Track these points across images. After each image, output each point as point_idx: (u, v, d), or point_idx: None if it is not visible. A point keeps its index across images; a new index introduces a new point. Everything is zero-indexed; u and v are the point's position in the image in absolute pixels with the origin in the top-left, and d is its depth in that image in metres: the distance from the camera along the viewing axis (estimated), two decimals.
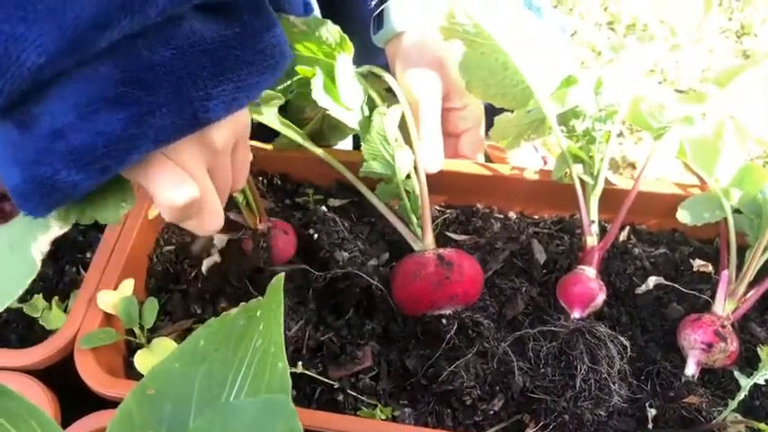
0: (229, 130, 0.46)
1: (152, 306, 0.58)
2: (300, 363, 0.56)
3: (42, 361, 0.56)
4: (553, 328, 0.57)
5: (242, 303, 0.45)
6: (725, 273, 0.58)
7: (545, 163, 0.85)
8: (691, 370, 0.56)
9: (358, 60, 0.64)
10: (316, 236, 0.64)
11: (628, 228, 0.67)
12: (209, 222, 0.48)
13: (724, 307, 0.57)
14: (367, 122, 0.63)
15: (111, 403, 0.51)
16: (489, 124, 0.67)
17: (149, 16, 0.37)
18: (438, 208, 0.69)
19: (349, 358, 0.56)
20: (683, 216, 0.63)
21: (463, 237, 0.66)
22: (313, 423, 0.50)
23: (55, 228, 0.49)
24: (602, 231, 0.63)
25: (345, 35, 0.61)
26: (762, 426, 0.52)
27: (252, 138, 0.68)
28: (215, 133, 0.45)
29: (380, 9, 0.69)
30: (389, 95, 0.65)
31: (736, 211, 0.62)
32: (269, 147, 0.70)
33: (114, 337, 0.56)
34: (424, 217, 0.60)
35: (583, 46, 1.74)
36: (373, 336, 0.58)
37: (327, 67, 0.62)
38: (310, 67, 0.62)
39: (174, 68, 0.39)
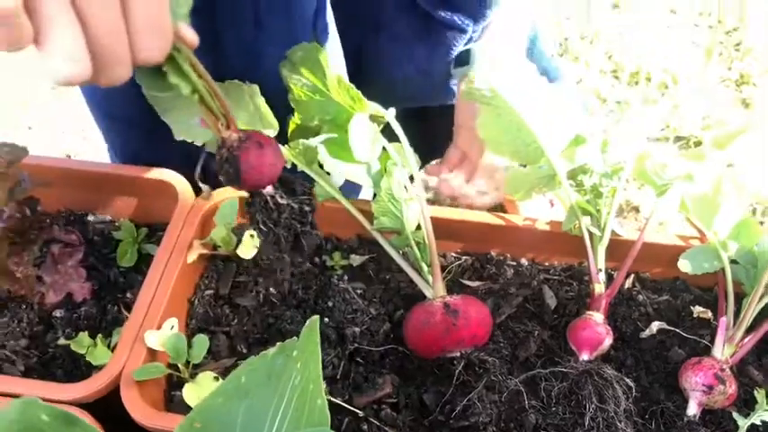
0: None
1: (201, 342, 0.63)
2: (328, 390, 0.61)
3: (91, 395, 0.60)
4: (563, 369, 0.61)
5: (278, 343, 0.50)
6: (723, 319, 0.63)
7: (552, 205, 0.90)
8: (692, 410, 0.60)
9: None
10: (331, 304, 0.69)
11: (633, 276, 0.72)
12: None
13: (723, 351, 0.62)
14: (379, 177, 0.68)
15: None
16: None
17: None
18: (454, 255, 0.74)
19: (371, 385, 0.61)
20: (685, 266, 0.68)
21: (477, 283, 0.71)
22: None
23: None
24: (609, 279, 0.67)
25: (362, 95, 0.67)
26: None
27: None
28: None
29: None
30: None
31: (734, 261, 0.66)
32: None
33: (163, 371, 0.61)
34: (434, 265, 0.65)
35: (588, 92, 1.81)
36: (393, 368, 0.63)
37: (344, 125, 0.67)
38: (327, 122, 0.68)
39: None
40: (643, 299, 0.70)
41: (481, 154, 0.87)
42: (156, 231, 0.77)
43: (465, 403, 0.59)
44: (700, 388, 0.60)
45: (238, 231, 0.72)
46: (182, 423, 0.48)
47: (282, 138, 0.69)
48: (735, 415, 0.57)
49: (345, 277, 0.71)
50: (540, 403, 0.60)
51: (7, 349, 0.68)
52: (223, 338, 0.68)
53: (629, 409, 0.59)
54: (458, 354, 0.62)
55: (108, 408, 0.60)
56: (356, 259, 0.73)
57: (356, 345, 0.65)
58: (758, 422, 0.57)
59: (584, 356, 0.62)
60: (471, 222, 0.72)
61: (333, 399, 0.61)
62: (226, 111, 0.56)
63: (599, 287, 0.65)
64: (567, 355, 0.64)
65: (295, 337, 0.50)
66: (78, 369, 0.68)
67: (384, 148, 0.69)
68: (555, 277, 0.72)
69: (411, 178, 0.68)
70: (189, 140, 0.65)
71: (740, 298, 0.65)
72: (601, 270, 0.66)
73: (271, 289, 0.71)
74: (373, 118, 0.69)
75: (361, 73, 0.82)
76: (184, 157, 0.67)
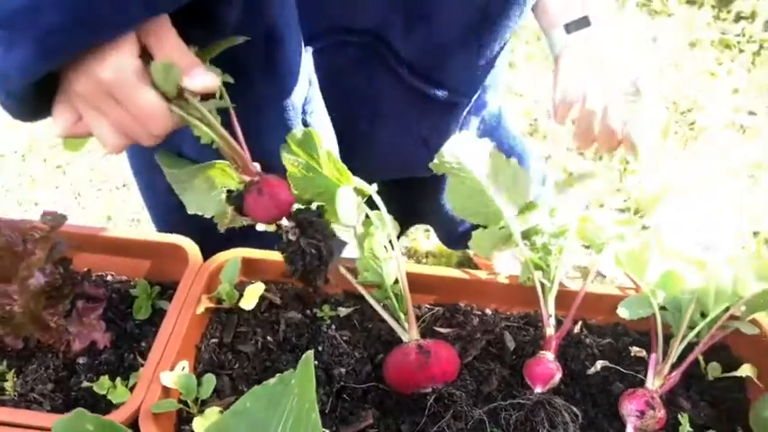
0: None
1: (209, 381, 0.73)
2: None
3: None
4: (521, 401, 0.72)
5: (278, 375, 0.60)
6: (653, 356, 0.74)
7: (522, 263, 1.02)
8: None
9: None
10: (321, 349, 0.80)
11: (581, 322, 0.84)
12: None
13: (653, 383, 0.73)
14: (362, 237, 0.80)
15: None
16: None
17: None
18: (428, 306, 0.85)
19: (355, 418, 0.71)
20: (623, 312, 0.79)
21: (448, 329, 0.83)
22: None
23: None
24: (559, 324, 0.79)
25: (350, 168, 0.79)
26: None
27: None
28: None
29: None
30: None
31: (663, 308, 0.78)
32: None
33: (175, 406, 0.71)
34: (409, 313, 0.76)
35: (556, 167, 1.96)
36: (374, 404, 0.73)
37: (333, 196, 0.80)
38: (319, 194, 0.80)
39: None
40: (590, 342, 0.81)
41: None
42: (168, 289, 0.88)
43: (435, 430, 0.70)
44: (634, 413, 0.70)
45: (240, 287, 0.84)
46: None
47: None
48: None
49: (333, 326, 0.82)
50: (500, 430, 0.71)
51: (35, 392, 0.78)
52: (227, 380, 0.78)
53: None
54: (430, 389, 0.72)
55: None
56: (343, 311, 0.85)
57: (342, 383, 0.76)
58: None
59: (538, 389, 0.73)
60: (442, 277, 0.84)
61: (322, 430, 0.70)
62: (240, 158, 0.66)
63: (550, 330, 0.77)
64: (523, 389, 0.74)
65: (292, 369, 0.61)
66: (99, 408, 0.77)
67: (367, 215, 0.82)
68: (514, 324, 0.83)
69: (390, 241, 0.80)
70: (200, 214, 0.77)
71: (668, 338, 0.76)
72: (551, 316, 0.78)
73: (268, 337, 0.82)
74: (357, 190, 0.82)
75: (357, 144, 0.92)
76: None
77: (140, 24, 0.53)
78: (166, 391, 0.73)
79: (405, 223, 1.29)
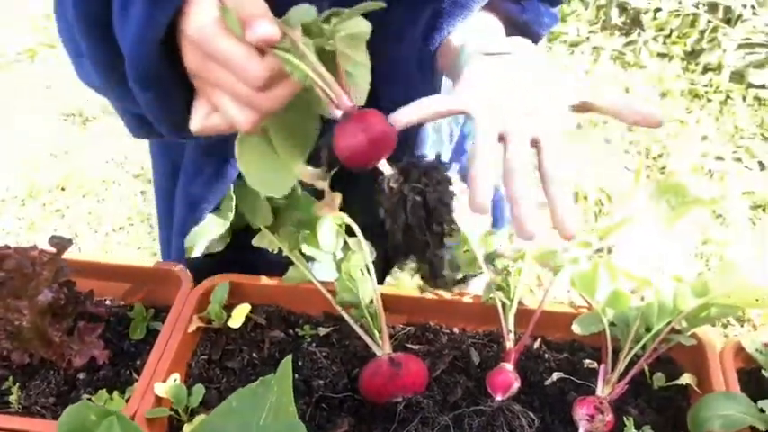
0: None
1: (199, 390, 0.80)
2: None
3: None
4: (483, 408, 0.79)
5: (260, 378, 0.68)
6: (602, 366, 0.82)
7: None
8: None
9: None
10: (301, 363, 0.87)
11: (540, 339, 0.91)
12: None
13: (602, 390, 0.80)
14: (340, 263, 0.89)
15: None
16: None
17: None
18: (401, 326, 0.93)
19: (332, 425, 0.78)
20: (577, 329, 0.87)
21: (418, 346, 0.90)
22: None
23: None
24: (519, 339, 0.87)
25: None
26: None
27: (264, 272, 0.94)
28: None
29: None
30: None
31: (612, 323, 0.86)
32: (275, 282, 0.95)
33: (167, 413, 0.78)
34: (383, 330, 0.83)
35: None
36: (350, 412, 0.80)
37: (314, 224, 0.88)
38: (303, 223, 0.89)
39: None
40: (548, 356, 0.89)
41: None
42: (162, 312, 0.96)
43: None
44: (585, 417, 0.78)
45: (228, 309, 0.91)
46: None
47: None
48: None
49: (313, 344, 0.90)
50: None
51: (38, 405, 0.85)
52: (215, 392, 0.85)
53: None
54: (401, 398, 0.79)
55: None
56: (322, 330, 0.92)
57: (320, 393, 0.83)
58: None
59: (499, 397, 0.80)
60: (414, 298, 0.92)
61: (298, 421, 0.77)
62: (336, 93, 0.57)
63: (509, 344, 0.84)
64: (486, 397, 0.82)
65: (273, 373, 0.68)
66: None
67: (345, 242, 0.90)
68: (479, 341, 0.91)
69: (366, 266, 0.88)
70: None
71: (617, 351, 0.84)
72: (511, 331, 0.85)
73: (253, 354, 0.89)
74: (336, 219, 0.91)
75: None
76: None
77: None
78: (159, 400, 0.80)
79: (394, 259, 1.35)
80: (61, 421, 0.61)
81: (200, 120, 0.60)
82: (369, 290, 0.87)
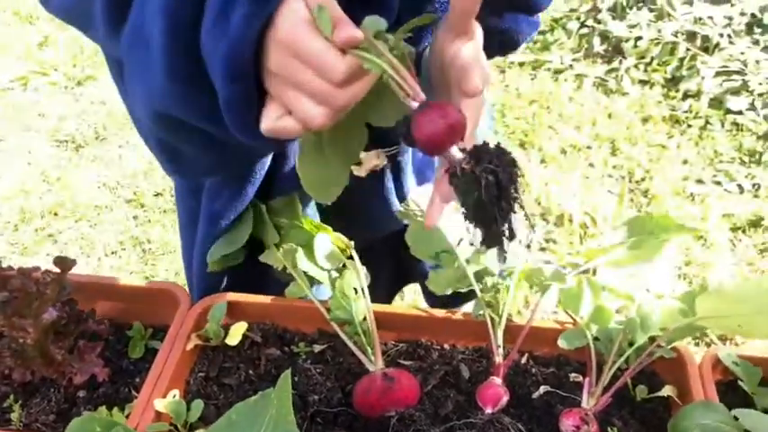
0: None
1: (197, 405, 0.82)
2: None
3: None
4: (473, 420, 0.82)
5: (260, 392, 0.70)
6: (587, 379, 0.85)
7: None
8: None
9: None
10: (297, 379, 0.90)
11: (527, 354, 0.95)
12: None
13: (587, 402, 0.84)
14: (335, 281, 0.92)
15: None
16: None
17: None
18: (393, 342, 0.96)
19: None
20: (562, 343, 0.90)
21: (410, 362, 0.93)
22: None
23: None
24: (507, 355, 0.90)
25: (323, 224, 0.92)
26: None
27: (263, 291, 0.97)
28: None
29: None
30: None
31: (596, 338, 0.90)
32: (270, 300, 0.98)
33: (167, 428, 0.80)
34: (376, 347, 0.86)
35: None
36: (344, 426, 0.83)
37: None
38: (303, 241, 0.93)
39: None
40: (535, 371, 0.92)
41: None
42: (160, 331, 0.98)
43: None
44: (571, 428, 0.81)
45: (225, 327, 0.94)
46: None
47: None
48: None
49: (309, 361, 0.93)
50: None
51: (39, 422, 0.87)
52: (213, 408, 0.87)
53: None
54: (393, 412, 0.82)
55: None
56: (317, 347, 0.95)
57: (315, 408, 0.86)
58: None
59: (488, 410, 0.83)
60: (406, 315, 0.95)
61: None
62: (409, 84, 0.61)
63: (498, 358, 0.88)
64: (476, 410, 0.85)
65: (271, 388, 0.71)
66: None
67: (344, 264, 0.94)
68: (469, 357, 0.94)
69: (361, 287, 0.91)
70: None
71: (601, 365, 0.88)
72: (500, 346, 0.89)
73: (250, 371, 0.92)
74: (334, 240, 0.94)
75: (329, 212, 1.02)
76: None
77: None
78: (159, 416, 0.83)
79: (398, 282, 1.37)
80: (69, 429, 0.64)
81: (272, 120, 0.63)
82: (362, 308, 0.90)
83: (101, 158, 2.54)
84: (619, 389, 0.84)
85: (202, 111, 0.67)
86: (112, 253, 2.17)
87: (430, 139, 0.61)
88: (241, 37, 0.59)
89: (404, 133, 0.64)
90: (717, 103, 2.55)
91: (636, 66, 2.77)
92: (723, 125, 2.48)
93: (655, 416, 0.87)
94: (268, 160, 0.89)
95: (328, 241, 0.93)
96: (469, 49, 0.67)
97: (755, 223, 2.10)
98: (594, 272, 0.97)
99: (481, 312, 0.92)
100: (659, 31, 2.81)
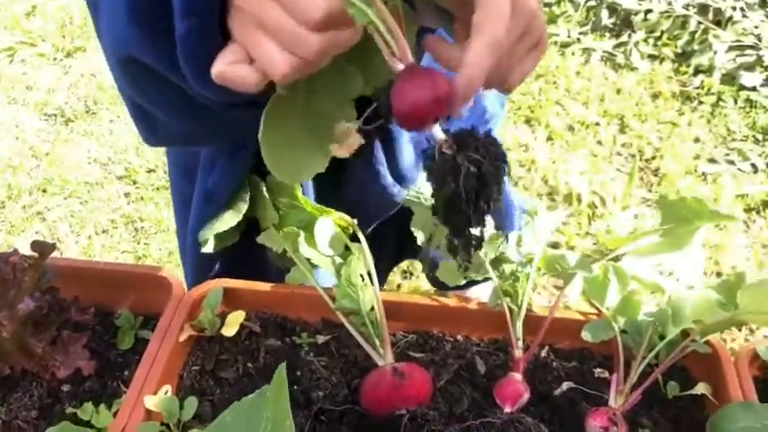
0: None
1: (191, 403, 0.75)
2: None
3: None
4: (491, 420, 0.75)
5: (257, 390, 0.63)
6: (614, 376, 0.78)
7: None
8: None
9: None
10: (299, 374, 0.83)
11: (547, 347, 0.88)
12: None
13: (615, 401, 0.77)
14: (340, 267, 0.85)
15: None
16: None
17: None
18: (402, 333, 0.89)
19: None
20: (586, 336, 0.84)
21: (421, 354, 0.86)
22: None
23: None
24: (528, 349, 0.83)
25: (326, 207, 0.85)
26: None
27: (262, 277, 0.90)
28: None
29: None
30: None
31: (624, 331, 0.83)
32: (270, 287, 0.90)
33: (158, 428, 0.73)
34: (384, 339, 0.79)
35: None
36: (351, 426, 0.76)
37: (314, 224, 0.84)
38: (302, 227, 0.85)
39: None
40: (556, 365, 0.85)
41: None
42: (151, 320, 0.91)
43: None
44: (597, 430, 0.74)
45: (221, 316, 0.87)
46: None
47: None
48: None
49: (311, 353, 0.86)
50: None
51: (20, 419, 0.80)
52: (207, 405, 0.80)
53: None
54: (404, 411, 0.75)
55: None
56: (320, 338, 0.88)
57: (320, 405, 0.79)
58: None
59: (507, 408, 0.77)
60: (415, 304, 0.88)
61: None
62: (397, 41, 0.53)
63: (518, 352, 0.81)
64: (494, 409, 0.78)
65: (268, 384, 0.64)
66: None
67: (347, 246, 0.86)
68: (484, 349, 0.87)
69: (368, 273, 0.84)
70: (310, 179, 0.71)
71: (629, 360, 0.81)
72: (519, 339, 0.82)
73: (248, 364, 0.85)
74: (339, 224, 0.87)
75: (327, 196, 0.94)
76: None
77: None
78: (149, 414, 0.76)
79: (395, 259, 1.30)
80: None
81: (225, 63, 0.54)
82: (370, 296, 0.83)
83: (91, 133, 2.44)
84: (649, 386, 0.78)
85: (162, 52, 0.59)
86: (103, 231, 2.09)
87: (411, 109, 0.52)
88: None
89: (383, 101, 0.56)
90: (729, 78, 2.46)
91: (645, 40, 2.67)
92: (736, 102, 2.39)
93: (687, 415, 0.80)
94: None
95: (330, 226, 0.85)
96: None
97: None
98: (618, 258, 0.90)
99: (499, 302, 0.85)
100: (669, 3, 2.71)
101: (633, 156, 2.24)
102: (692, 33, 2.62)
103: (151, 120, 0.72)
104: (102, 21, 0.64)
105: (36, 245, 0.79)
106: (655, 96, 2.47)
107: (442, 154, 0.52)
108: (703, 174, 2.16)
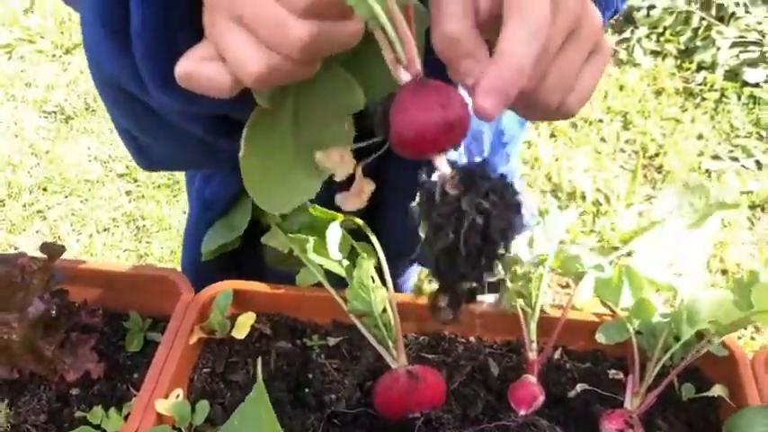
0: None
1: (203, 407, 0.75)
2: None
3: None
4: (506, 423, 0.75)
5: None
6: (630, 377, 0.78)
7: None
8: None
9: None
10: (311, 377, 0.82)
11: (560, 349, 0.87)
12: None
13: (631, 403, 0.76)
14: (351, 269, 0.84)
15: None
16: None
17: None
18: (413, 335, 0.88)
19: None
20: (600, 338, 0.83)
21: (433, 356, 0.85)
22: None
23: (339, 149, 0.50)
24: (541, 350, 0.82)
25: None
26: None
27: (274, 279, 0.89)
28: None
29: None
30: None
31: (638, 332, 0.82)
32: (280, 289, 0.89)
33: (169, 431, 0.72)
34: (398, 341, 0.79)
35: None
36: (363, 429, 0.76)
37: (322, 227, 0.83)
38: (310, 225, 0.84)
39: None
40: (570, 366, 0.84)
41: None
42: (160, 322, 0.90)
43: None
44: None
45: (232, 318, 0.86)
46: None
47: None
48: None
49: (323, 355, 0.85)
50: None
51: (29, 423, 0.79)
52: (219, 408, 0.79)
53: None
54: (418, 414, 0.75)
55: None
56: (332, 340, 0.87)
57: (332, 409, 0.78)
58: None
59: (522, 411, 0.76)
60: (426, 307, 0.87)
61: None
62: (407, 46, 0.43)
63: (532, 354, 0.80)
64: (508, 412, 0.77)
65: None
66: None
67: (353, 246, 0.85)
68: (497, 351, 0.86)
69: (380, 271, 0.83)
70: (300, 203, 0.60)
71: (644, 362, 0.80)
72: (533, 341, 0.81)
73: (259, 366, 0.84)
74: (345, 223, 0.86)
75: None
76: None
77: None
78: (160, 418, 0.75)
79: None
80: None
81: (192, 61, 0.44)
82: (382, 297, 0.82)
83: (91, 130, 2.43)
84: (665, 388, 0.77)
85: (125, 58, 0.51)
86: (105, 230, 2.08)
87: (414, 135, 0.42)
88: None
89: (379, 117, 0.44)
90: (733, 75, 2.46)
91: (648, 36, 2.66)
92: (739, 98, 2.39)
93: (703, 418, 0.80)
94: None
95: (338, 230, 0.84)
96: None
97: None
98: (629, 254, 0.89)
99: (513, 304, 0.84)
100: None
101: (636, 153, 2.23)
102: (695, 29, 2.61)
103: (137, 143, 0.67)
104: (84, 32, 0.58)
105: (45, 247, 0.78)
106: (658, 93, 2.47)
107: (445, 194, 0.42)
108: (707, 171, 2.16)
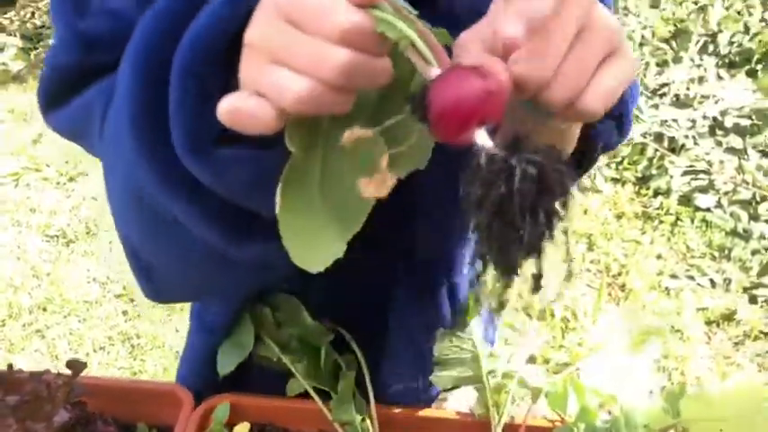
0: None
1: None
2: None
3: None
4: None
5: None
6: None
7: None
8: None
9: None
10: None
11: None
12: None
13: None
14: (334, 384, 0.96)
15: None
16: None
17: None
18: None
19: None
20: None
21: None
22: None
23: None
24: None
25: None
26: None
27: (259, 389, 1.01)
28: None
29: None
30: None
31: None
32: (271, 401, 1.01)
33: None
34: None
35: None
36: None
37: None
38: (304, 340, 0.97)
39: None
40: None
41: None
42: (165, 431, 1.01)
43: None
44: None
45: (229, 425, 0.97)
46: None
47: None
48: None
49: None
50: None
51: None
52: None
53: None
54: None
55: None
56: None
57: None
58: None
59: None
60: (408, 414, 1.00)
61: None
62: (436, 52, 0.44)
63: None
64: None
65: None
66: None
67: (336, 360, 0.98)
68: None
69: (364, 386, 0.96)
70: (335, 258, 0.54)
71: None
72: None
73: None
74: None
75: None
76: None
77: None
78: None
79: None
80: None
81: (233, 99, 0.45)
82: (362, 408, 0.94)
83: (91, 253, 2.58)
84: None
85: (159, 161, 0.53)
86: (101, 348, 2.18)
87: (455, 106, 0.40)
88: (224, 16, 0.47)
89: (416, 104, 0.43)
90: (686, 200, 2.69)
91: (608, 165, 2.92)
92: (693, 222, 2.60)
93: None
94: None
95: (330, 351, 0.98)
96: None
97: (728, 317, 2.18)
98: (578, 369, 1.04)
99: (483, 411, 0.97)
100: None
101: (601, 272, 2.40)
102: (650, 159, 2.87)
103: (145, 266, 0.69)
104: (108, 167, 0.62)
105: (71, 363, 0.90)
106: (619, 216, 2.68)
107: (491, 156, 0.40)
108: (666, 289, 2.32)
